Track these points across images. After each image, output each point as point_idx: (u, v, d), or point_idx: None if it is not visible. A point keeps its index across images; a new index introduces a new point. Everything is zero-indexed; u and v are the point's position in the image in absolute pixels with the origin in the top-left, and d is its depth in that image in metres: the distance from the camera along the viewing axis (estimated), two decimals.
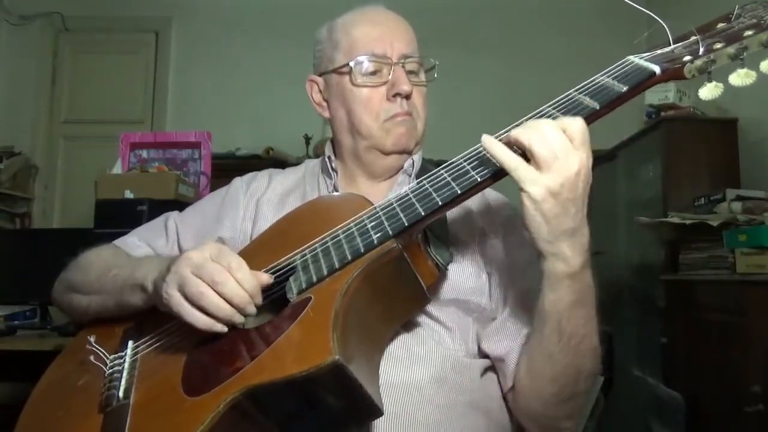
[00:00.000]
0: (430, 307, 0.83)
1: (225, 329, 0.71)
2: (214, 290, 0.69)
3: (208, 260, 0.71)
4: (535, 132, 0.66)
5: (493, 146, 0.68)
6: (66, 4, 3.97)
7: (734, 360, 2.00)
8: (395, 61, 0.94)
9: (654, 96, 2.71)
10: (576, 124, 0.67)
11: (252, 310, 0.71)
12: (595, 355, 0.79)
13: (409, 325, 0.82)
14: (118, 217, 2.07)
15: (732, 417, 1.99)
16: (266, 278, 0.74)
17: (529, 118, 0.73)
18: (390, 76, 0.94)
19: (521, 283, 0.88)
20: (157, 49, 4.01)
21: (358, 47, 0.95)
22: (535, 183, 0.66)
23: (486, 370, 0.87)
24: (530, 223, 0.68)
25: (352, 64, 0.95)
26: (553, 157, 0.65)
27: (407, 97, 0.94)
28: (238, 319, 0.71)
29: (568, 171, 0.65)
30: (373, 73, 0.95)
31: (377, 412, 0.64)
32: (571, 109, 0.72)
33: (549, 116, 0.71)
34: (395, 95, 0.94)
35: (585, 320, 0.75)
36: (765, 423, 1.81)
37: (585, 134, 0.67)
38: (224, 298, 0.69)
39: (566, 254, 0.70)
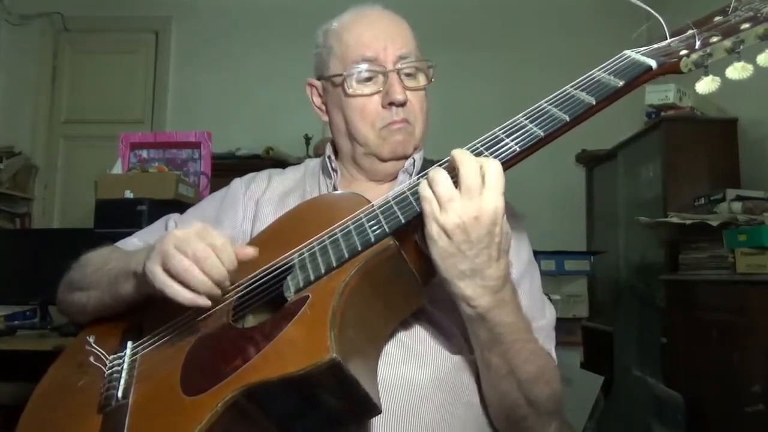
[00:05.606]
0: (429, 306, 0.83)
1: (209, 303, 0.71)
2: (197, 266, 0.70)
3: (191, 236, 0.71)
4: (436, 172, 0.68)
5: (421, 181, 0.70)
6: (66, 4, 3.97)
7: (734, 360, 1.99)
8: (390, 66, 0.93)
9: (654, 96, 2.71)
10: (489, 167, 0.67)
11: (226, 284, 0.72)
12: (538, 381, 0.79)
13: (407, 325, 0.82)
14: (118, 217, 2.08)
15: (732, 417, 1.99)
16: (251, 251, 0.75)
17: (514, 123, 0.73)
18: (384, 84, 0.93)
19: None
20: (157, 49, 4.01)
21: (350, 53, 0.94)
22: (433, 220, 0.67)
23: None
24: (432, 259, 0.70)
25: (345, 74, 0.94)
26: (448, 198, 0.66)
27: (403, 104, 0.93)
28: (216, 292, 0.71)
29: (465, 215, 0.66)
30: (368, 79, 0.94)
31: (375, 410, 0.64)
32: (567, 103, 0.72)
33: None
34: (390, 104, 0.93)
35: (509, 354, 0.75)
36: (765, 423, 1.81)
37: (496, 178, 0.67)
38: (206, 274, 0.70)
39: (467, 294, 0.70)
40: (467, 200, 0.66)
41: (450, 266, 0.69)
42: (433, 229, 0.67)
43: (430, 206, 0.67)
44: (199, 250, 0.70)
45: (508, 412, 0.81)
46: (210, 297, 0.71)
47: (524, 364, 0.77)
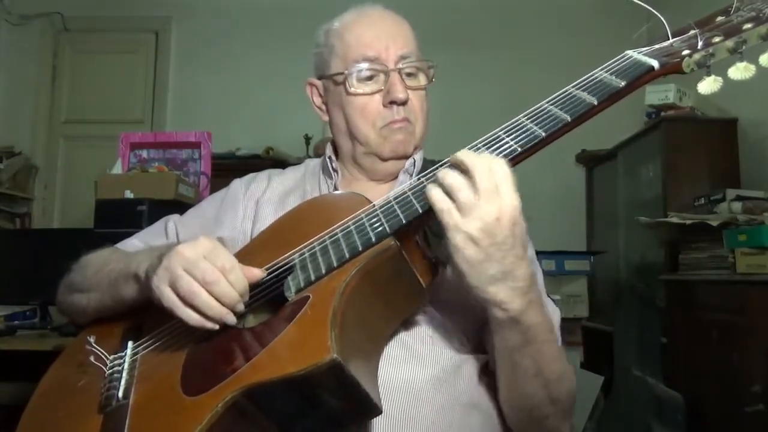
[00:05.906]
0: (429, 306, 0.83)
1: (216, 327, 0.70)
2: (206, 290, 0.69)
3: (200, 258, 0.70)
4: (453, 178, 0.66)
5: (430, 189, 0.67)
6: (66, 4, 3.97)
7: (734, 360, 2.00)
8: (391, 66, 0.93)
9: (654, 96, 2.71)
10: (497, 167, 0.66)
11: (240, 308, 0.71)
12: (563, 379, 0.78)
13: (408, 325, 0.82)
14: (118, 217, 2.08)
15: (732, 417, 1.99)
16: (258, 273, 0.74)
17: (516, 122, 0.73)
18: (385, 83, 0.93)
19: None
20: (157, 49, 4.01)
21: (351, 52, 0.94)
22: (457, 229, 0.65)
23: (486, 367, 0.86)
24: (457, 268, 0.67)
25: (346, 73, 0.94)
26: (472, 205, 0.64)
27: (404, 103, 0.93)
28: (230, 319, 0.70)
29: (488, 217, 0.64)
30: (369, 78, 0.94)
31: (376, 410, 0.64)
32: (568, 104, 0.72)
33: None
34: (391, 102, 0.93)
35: (538, 355, 0.74)
36: (765, 423, 1.81)
37: (505, 175, 0.65)
38: (215, 298, 0.69)
39: (499, 299, 0.68)
40: (486, 203, 0.64)
41: (480, 272, 0.66)
42: (458, 239, 0.65)
43: (451, 217, 0.65)
44: (208, 272, 0.69)
45: (531, 411, 0.80)
46: (222, 322, 0.70)
47: (551, 363, 0.76)
